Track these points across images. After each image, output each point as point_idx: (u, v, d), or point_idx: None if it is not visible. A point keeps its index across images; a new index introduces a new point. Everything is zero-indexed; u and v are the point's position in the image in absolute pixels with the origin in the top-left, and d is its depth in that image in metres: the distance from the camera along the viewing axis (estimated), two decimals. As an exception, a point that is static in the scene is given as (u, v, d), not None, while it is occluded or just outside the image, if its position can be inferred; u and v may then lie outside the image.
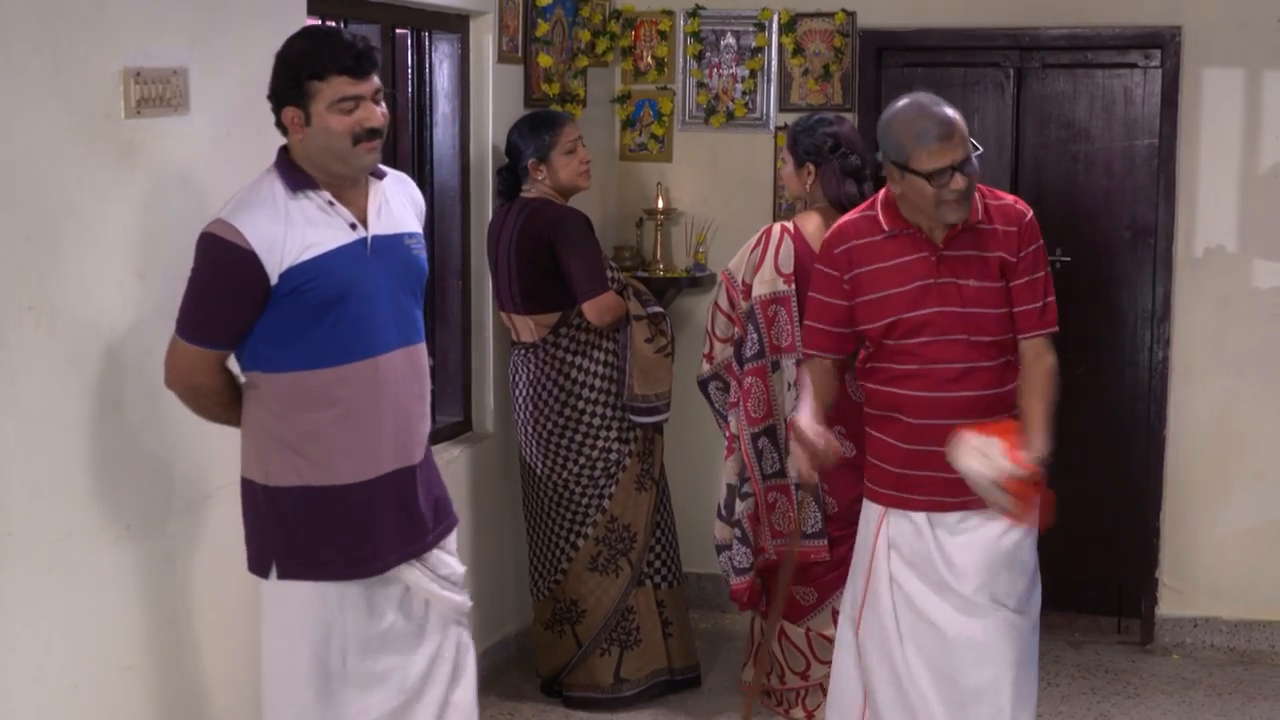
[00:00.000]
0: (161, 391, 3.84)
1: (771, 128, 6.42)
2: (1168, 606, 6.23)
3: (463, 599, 3.87)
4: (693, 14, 6.44)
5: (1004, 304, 4.16)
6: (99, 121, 3.62)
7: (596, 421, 5.42)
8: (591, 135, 5.93)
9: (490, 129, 5.60)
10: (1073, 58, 6.22)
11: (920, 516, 4.22)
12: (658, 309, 5.54)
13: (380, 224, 3.67)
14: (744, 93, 6.44)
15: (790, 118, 6.26)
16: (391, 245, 3.69)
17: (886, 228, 4.20)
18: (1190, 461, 6.17)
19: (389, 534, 3.68)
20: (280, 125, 3.61)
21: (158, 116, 3.79)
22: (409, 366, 3.72)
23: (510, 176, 5.49)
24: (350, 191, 3.65)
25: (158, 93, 3.78)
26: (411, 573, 3.74)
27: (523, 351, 5.47)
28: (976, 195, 4.14)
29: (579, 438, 5.43)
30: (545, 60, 5.87)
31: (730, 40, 6.46)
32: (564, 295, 5.36)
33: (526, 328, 5.43)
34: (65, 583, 3.59)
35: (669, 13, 6.49)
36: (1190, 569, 6.19)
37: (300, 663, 3.63)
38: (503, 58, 5.65)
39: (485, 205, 5.65)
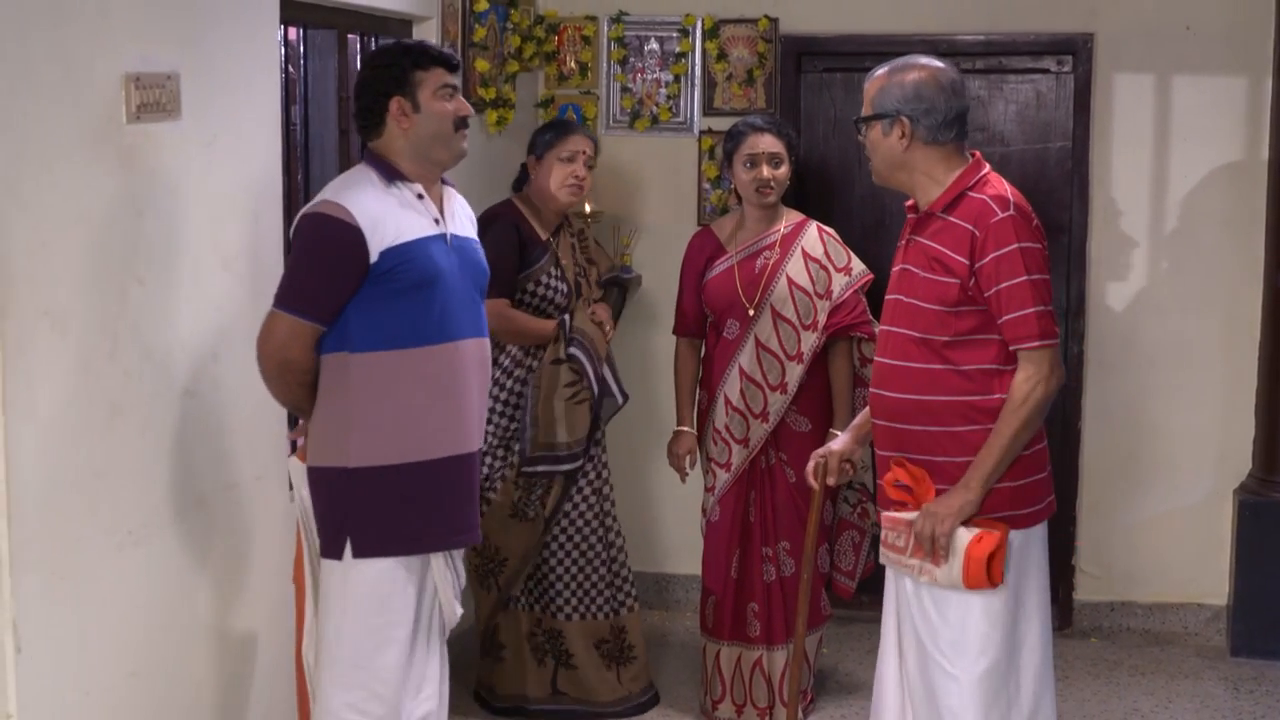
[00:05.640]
0: (159, 396, 3.85)
1: (696, 132, 6.52)
2: (1085, 592, 6.45)
3: (460, 611, 3.97)
4: (616, 19, 6.52)
5: (949, 302, 3.80)
6: (103, 126, 3.62)
7: None
8: (518, 139, 5.96)
9: (434, 133, 5.62)
10: (988, 63, 6.41)
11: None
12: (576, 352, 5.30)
13: (454, 225, 3.90)
14: (668, 97, 6.54)
15: (715, 121, 6.39)
16: (466, 246, 3.93)
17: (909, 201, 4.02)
18: (1105, 452, 6.39)
19: (459, 511, 3.84)
20: (371, 127, 3.82)
21: (155, 121, 3.78)
22: (481, 357, 3.91)
23: (522, 173, 5.54)
24: (432, 190, 3.86)
25: (154, 98, 3.78)
26: (439, 564, 3.86)
27: None
28: (952, 184, 3.86)
29: None
30: (482, 65, 5.90)
31: (654, 45, 6.55)
32: None
33: None
34: (76, 589, 3.58)
35: (592, 18, 6.55)
36: (1107, 555, 6.41)
37: (361, 640, 3.75)
38: (444, 62, 5.67)
39: (429, 209, 5.67)
